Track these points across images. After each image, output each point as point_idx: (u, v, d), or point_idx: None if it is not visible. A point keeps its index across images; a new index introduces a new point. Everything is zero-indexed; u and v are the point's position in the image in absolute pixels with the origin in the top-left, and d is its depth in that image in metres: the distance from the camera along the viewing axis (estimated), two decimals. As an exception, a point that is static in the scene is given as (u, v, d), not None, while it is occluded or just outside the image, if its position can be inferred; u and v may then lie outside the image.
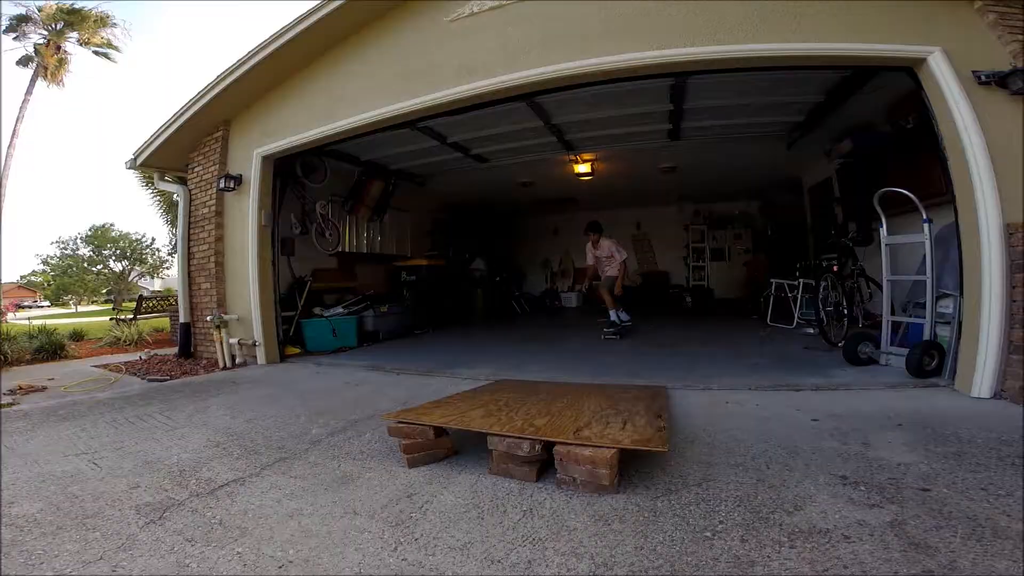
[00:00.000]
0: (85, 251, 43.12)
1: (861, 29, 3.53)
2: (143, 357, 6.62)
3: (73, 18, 21.13)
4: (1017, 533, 1.50)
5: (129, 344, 8.48)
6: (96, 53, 22.08)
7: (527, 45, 4.35)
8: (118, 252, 44.02)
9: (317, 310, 6.73)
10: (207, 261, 6.11)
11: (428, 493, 2.05)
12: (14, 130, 20.67)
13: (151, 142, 6.33)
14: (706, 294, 11.53)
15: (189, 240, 6.36)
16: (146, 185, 12.87)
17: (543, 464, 2.11)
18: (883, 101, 5.08)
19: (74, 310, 40.09)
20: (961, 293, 3.28)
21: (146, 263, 45.43)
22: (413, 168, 8.19)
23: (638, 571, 1.43)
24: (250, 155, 5.85)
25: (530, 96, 4.81)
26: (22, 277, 46.18)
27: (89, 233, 42.86)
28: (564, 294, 12.64)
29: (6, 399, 4.45)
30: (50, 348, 7.27)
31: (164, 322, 10.84)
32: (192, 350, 6.35)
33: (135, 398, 4.22)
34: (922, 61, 3.42)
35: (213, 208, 6.07)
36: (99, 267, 44.04)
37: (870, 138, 5.68)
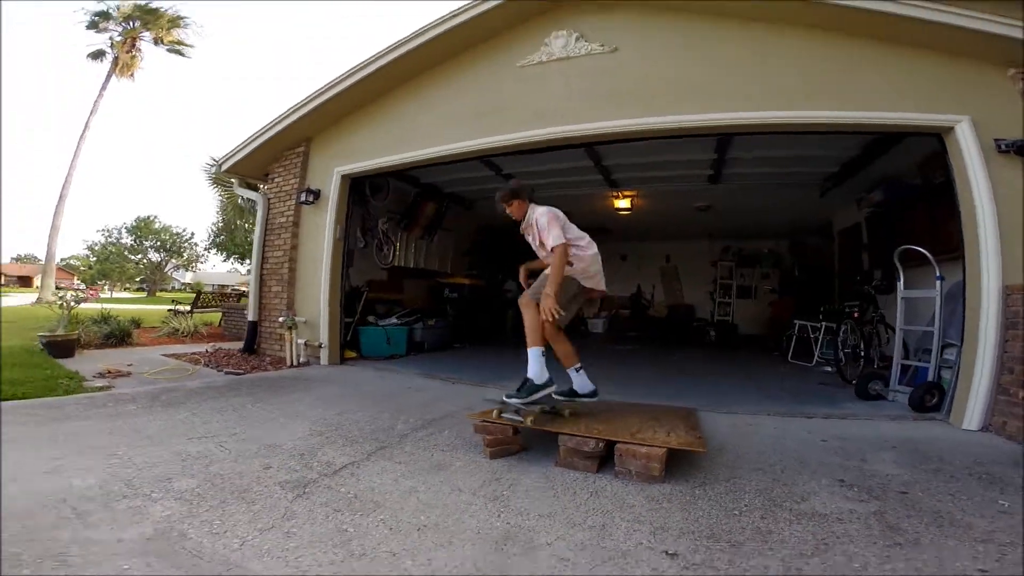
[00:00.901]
0: (128, 240, 45.42)
1: (899, 96, 3.95)
2: (209, 350, 7.11)
3: (148, 17, 22.68)
4: (968, 524, 2.01)
5: (186, 336, 9.07)
6: (170, 51, 23.71)
7: (593, 97, 4.85)
8: (158, 244, 46.27)
9: (371, 319, 7.38)
10: (280, 266, 6.78)
11: (511, 478, 2.58)
12: (86, 123, 22.30)
13: (237, 152, 7.07)
14: (730, 329, 11.83)
15: (264, 245, 7.03)
16: (213, 185, 13.91)
17: (601, 459, 2.66)
18: (915, 156, 5.36)
19: (109, 295, 41.98)
20: (962, 342, 3.74)
21: (182, 256, 47.58)
22: (464, 192, 8.89)
23: (685, 532, 1.98)
24: (329, 172, 6.52)
25: (592, 145, 5.38)
26: (62, 260, 48.30)
27: (133, 223, 45.15)
28: (591, 320, 13.12)
29: (99, 382, 4.84)
30: (119, 334, 7.72)
31: (214, 316, 11.60)
32: (256, 347, 6.95)
33: (223, 389, 4.65)
34: (950, 129, 3.83)
35: (291, 218, 6.74)
36: (139, 256, 46.26)
37: (900, 190, 6.02)
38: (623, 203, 8.62)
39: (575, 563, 1.75)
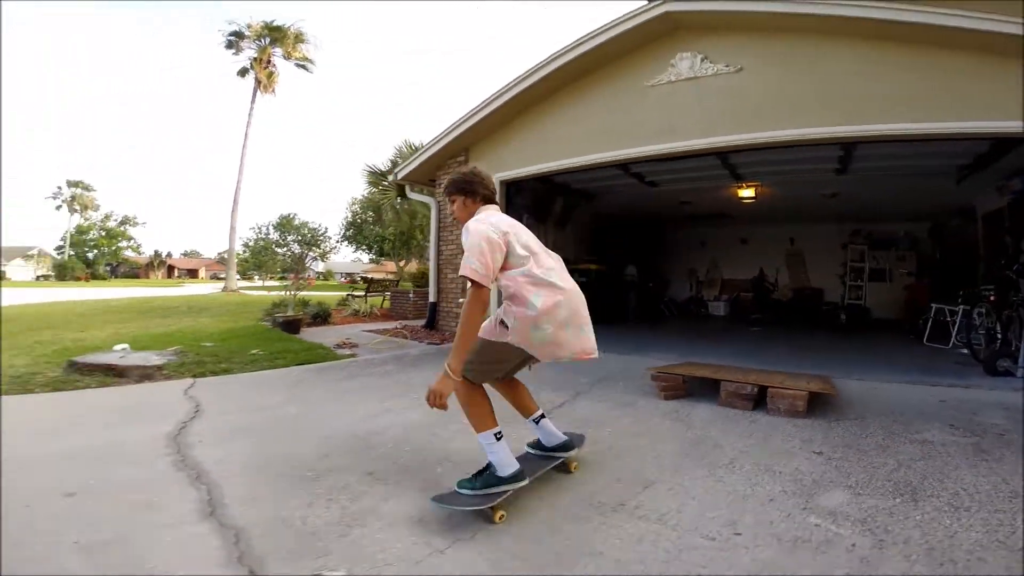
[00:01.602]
0: (274, 235, 52.15)
1: (1012, 105, 4.25)
2: (399, 327, 8.71)
3: (276, 34, 26.05)
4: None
5: (364, 316, 11.00)
6: (297, 66, 27.08)
7: (719, 114, 5.55)
8: (299, 238, 52.58)
9: (521, 301, 8.68)
10: (454, 257, 8.22)
11: (686, 411, 3.64)
12: (246, 134, 26.29)
13: (409, 163, 8.73)
14: (862, 313, 11.66)
15: (439, 241, 8.61)
16: (369, 186, 16.46)
17: (755, 401, 3.62)
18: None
19: (261, 284, 48.48)
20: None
21: (319, 248, 53.66)
22: (590, 188, 9.87)
23: (826, 443, 2.93)
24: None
25: (718, 155, 6.13)
26: (219, 254, 56.53)
27: (278, 221, 51.72)
28: (712, 303, 13.58)
29: (344, 351, 6.12)
30: (323, 315, 9.63)
31: (376, 300, 13.66)
32: (435, 323, 8.57)
33: (437, 355, 5.90)
34: (1062, 135, 4.20)
35: (461, 217, 8.20)
36: (284, 249, 52.96)
37: (1037, 180, 6.17)
38: (747, 192, 9.06)
39: (751, 455, 2.79)
